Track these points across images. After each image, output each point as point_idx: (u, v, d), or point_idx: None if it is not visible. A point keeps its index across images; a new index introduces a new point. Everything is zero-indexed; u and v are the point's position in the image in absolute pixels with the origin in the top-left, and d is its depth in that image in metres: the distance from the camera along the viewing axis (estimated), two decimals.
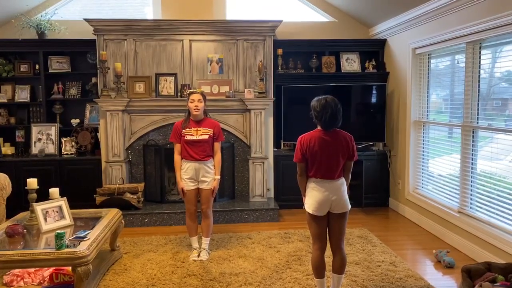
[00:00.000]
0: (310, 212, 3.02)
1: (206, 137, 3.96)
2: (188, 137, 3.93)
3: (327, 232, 3.10)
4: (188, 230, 4.11)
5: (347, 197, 3.06)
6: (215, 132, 4.02)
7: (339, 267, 3.06)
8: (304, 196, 3.13)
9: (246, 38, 5.48)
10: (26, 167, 5.43)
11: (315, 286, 3.24)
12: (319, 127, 3.03)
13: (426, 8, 4.60)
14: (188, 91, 4.19)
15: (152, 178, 5.47)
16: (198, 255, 4.02)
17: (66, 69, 5.81)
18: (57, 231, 3.06)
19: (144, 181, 5.45)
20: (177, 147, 4.02)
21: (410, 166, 5.30)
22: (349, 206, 3.06)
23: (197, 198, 4.04)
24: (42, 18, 5.65)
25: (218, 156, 4.06)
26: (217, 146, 4.07)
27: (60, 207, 3.63)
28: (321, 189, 2.98)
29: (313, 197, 3.01)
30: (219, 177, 4.06)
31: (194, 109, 3.93)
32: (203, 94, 4.00)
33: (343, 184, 3.05)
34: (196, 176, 3.97)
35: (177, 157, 4.03)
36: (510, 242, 3.55)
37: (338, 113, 2.98)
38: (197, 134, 3.94)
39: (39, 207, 3.50)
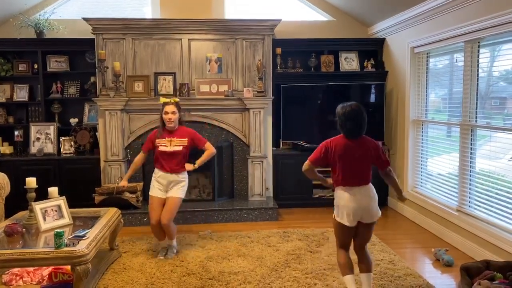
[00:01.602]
0: (343, 223, 2.95)
1: (180, 148, 3.94)
2: (162, 148, 3.93)
3: (353, 237, 3.09)
4: (155, 235, 4.03)
5: (377, 205, 3.03)
6: (190, 142, 3.99)
7: (367, 266, 3.06)
8: (320, 178, 3.11)
9: (245, 37, 5.48)
10: (24, 167, 5.42)
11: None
12: (343, 134, 2.99)
13: (424, 7, 4.61)
14: (162, 100, 4.04)
15: (151, 177, 5.44)
16: (165, 255, 4.01)
17: (65, 68, 5.80)
18: (56, 230, 3.06)
19: (143, 180, 5.44)
20: (141, 156, 4.10)
21: (409, 165, 5.31)
22: (379, 214, 3.04)
23: (161, 208, 3.93)
24: (40, 17, 5.64)
25: (209, 150, 4.06)
26: (207, 146, 4.07)
27: (59, 206, 3.62)
28: (351, 199, 2.93)
29: (344, 208, 2.94)
30: (197, 165, 4.03)
31: (168, 122, 3.93)
32: (177, 105, 3.99)
33: (372, 190, 3.02)
34: (166, 186, 3.98)
35: (137, 160, 4.09)
36: (509, 241, 3.55)
37: (363, 122, 2.95)
38: (170, 145, 3.94)
39: (38, 206, 3.50)
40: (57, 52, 5.77)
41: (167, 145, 3.93)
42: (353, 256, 3.13)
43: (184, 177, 4.03)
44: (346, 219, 2.94)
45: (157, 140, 3.98)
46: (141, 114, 5.39)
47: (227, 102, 5.40)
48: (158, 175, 3.99)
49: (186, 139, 3.99)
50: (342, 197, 2.97)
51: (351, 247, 3.13)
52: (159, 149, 3.95)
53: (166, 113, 3.93)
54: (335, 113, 3.02)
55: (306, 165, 3.08)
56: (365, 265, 3.07)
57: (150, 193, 4.01)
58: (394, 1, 5.00)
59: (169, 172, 3.94)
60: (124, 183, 4.11)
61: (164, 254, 4.01)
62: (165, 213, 3.90)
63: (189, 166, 4.02)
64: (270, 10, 6.07)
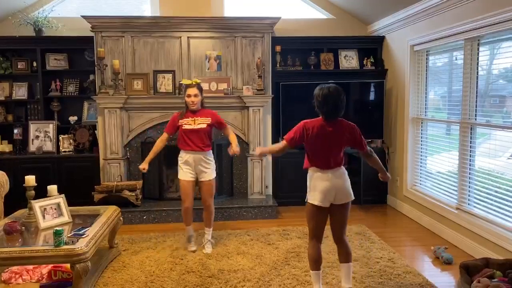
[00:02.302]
0: (315, 203, 2.95)
1: (204, 126, 3.97)
2: (186, 126, 3.95)
3: (330, 225, 3.09)
4: (183, 219, 4.12)
5: (350, 186, 3.04)
6: (213, 121, 4.03)
7: (346, 256, 3.07)
8: (268, 150, 3.22)
9: (244, 35, 5.47)
10: (24, 165, 5.41)
11: (310, 277, 3.24)
12: (320, 116, 3.00)
13: (424, 5, 4.60)
14: (184, 81, 4.15)
15: (150, 175, 5.46)
16: (203, 247, 4.06)
17: (64, 66, 5.79)
18: (55, 228, 3.06)
19: (142, 178, 5.44)
20: (164, 137, 4.07)
21: (408, 163, 5.31)
22: (353, 196, 3.04)
23: (194, 191, 4.03)
24: (39, 15, 5.63)
25: (232, 134, 4.10)
26: (227, 130, 4.12)
27: (58, 204, 3.62)
28: (323, 178, 2.95)
29: (316, 187, 2.96)
30: (238, 147, 4.03)
31: (191, 105, 3.96)
32: (199, 87, 4.00)
33: (345, 173, 3.03)
34: (195, 167, 3.98)
35: (158, 142, 4.08)
36: (508, 238, 3.56)
37: (341, 103, 2.95)
38: (194, 124, 3.96)
39: (37, 204, 3.49)
40: (56, 50, 5.76)
41: (191, 124, 3.95)
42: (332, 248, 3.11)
43: (211, 157, 4.06)
44: (318, 199, 2.94)
45: (180, 120, 3.98)
46: (141, 112, 5.39)
47: (227, 100, 5.40)
48: (184, 157, 3.98)
49: (210, 118, 4.01)
50: (315, 177, 2.99)
51: (331, 238, 3.13)
52: (183, 127, 3.95)
53: (189, 96, 3.94)
54: (313, 95, 3.02)
55: (282, 146, 3.05)
56: (344, 255, 3.08)
57: (180, 177, 4.01)
58: None
59: (195, 150, 3.95)
60: (144, 165, 4.05)
61: (194, 245, 4.09)
62: (206, 195, 4.03)
63: (235, 149, 3.96)
64: (270, 8, 6.06)
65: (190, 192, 4.00)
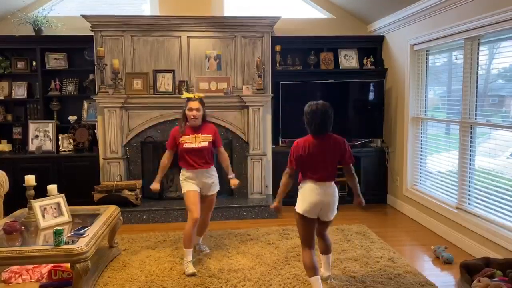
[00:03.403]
0: (301, 212, 3.07)
1: (206, 144, 3.75)
2: (187, 145, 3.71)
3: None
4: (186, 240, 3.64)
5: (336, 205, 3.14)
6: (214, 138, 3.83)
7: (326, 249, 3.31)
8: (281, 194, 3.23)
9: (244, 35, 5.47)
10: (23, 164, 5.39)
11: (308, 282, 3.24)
12: (309, 132, 3.10)
13: (424, 4, 4.60)
14: (185, 95, 3.86)
15: (150, 175, 5.45)
16: (199, 251, 4.02)
17: (63, 66, 5.78)
18: (55, 228, 3.06)
19: (142, 178, 5.44)
20: (168, 154, 3.83)
21: (408, 162, 5.31)
22: (335, 214, 3.17)
23: (200, 201, 3.75)
24: (39, 14, 5.62)
25: (225, 155, 3.96)
26: (221, 150, 3.94)
27: (58, 204, 3.62)
28: (315, 191, 3.04)
29: (305, 198, 3.07)
30: (233, 174, 3.95)
31: (192, 119, 3.71)
32: (201, 101, 3.77)
33: (335, 190, 3.13)
34: (199, 183, 3.77)
35: (164, 160, 3.83)
36: (508, 238, 3.56)
37: (328, 120, 3.05)
38: (196, 142, 3.72)
39: (37, 204, 3.49)
40: (55, 50, 5.75)
41: (192, 141, 3.72)
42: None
43: (214, 173, 3.88)
44: (306, 210, 3.05)
45: (180, 139, 3.73)
46: (140, 112, 5.38)
47: (226, 100, 5.40)
48: (186, 175, 3.76)
49: (211, 135, 3.81)
50: (307, 189, 3.08)
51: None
52: (184, 146, 3.71)
53: (191, 109, 3.70)
54: (303, 112, 3.12)
55: (288, 174, 3.17)
56: (325, 247, 3.30)
57: (186, 189, 3.73)
58: None
59: (198, 168, 3.74)
60: (156, 185, 3.83)
61: (192, 270, 3.60)
62: (208, 211, 3.94)
63: (234, 182, 3.91)
64: (270, 8, 6.06)
65: (197, 201, 3.69)
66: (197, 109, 3.72)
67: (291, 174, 3.16)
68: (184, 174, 3.79)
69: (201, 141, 3.75)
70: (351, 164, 3.18)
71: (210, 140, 3.80)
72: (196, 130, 3.77)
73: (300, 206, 3.09)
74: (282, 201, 5.55)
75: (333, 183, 3.11)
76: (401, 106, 5.45)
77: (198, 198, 3.73)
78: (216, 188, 3.92)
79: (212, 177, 3.86)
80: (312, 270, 3.07)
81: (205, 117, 3.85)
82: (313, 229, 3.13)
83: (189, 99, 3.78)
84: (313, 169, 3.06)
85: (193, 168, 3.74)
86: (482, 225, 3.88)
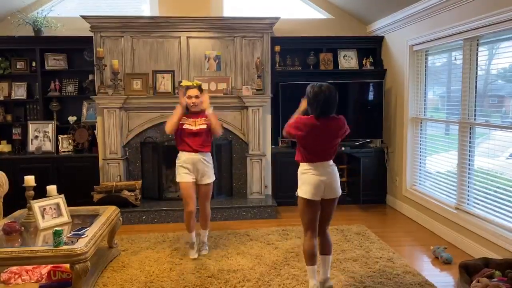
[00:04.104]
0: (307, 197, 3.01)
1: (205, 126, 3.88)
2: (187, 126, 3.85)
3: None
4: (186, 226, 3.99)
5: (339, 182, 3.11)
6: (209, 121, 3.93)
7: (327, 249, 3.18)
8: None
9: (243, 35, 5.47)
10: (23, 165, 5.40)
11: (305, 272, 3.24)
12: (312, 114, 3.05)
13: (423, 5, 4.60)
14: (183, 84, 4.01)
15: (150, 175, 5.47)
16: (198, 252, 4.02)
17: (63, 66, 5.78)
18: (55, 228, 3.06)
19: (141, 178, 5.44)
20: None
21: (407, 163, 5.31)
22: (340, 192, 3.12)
23: (195, 193, 3.95)
24: (38, 15, 5.62)
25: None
26: (214, 119, 3.92)
27: (57, 205, 3.62)
28: (314, 172, 3.01)
29: (307, 182, 3.02)
30: (211, 110, 3.91)
31: (192, 106, 3.88)
32: (200, 88, 3.92)
33: (335, 169, 3.10)
34: (194, 169, 3.89)
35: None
36: (507, 238, 3.56)
37: (333, 103, 3.00)
38: (195, 125, 3.87)
39: (36, 205, 3.49)
40: (55, 50, 5.75)
41: (192, 125, 3.86)
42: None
43: (209, 160, 3.98)
44: (309, 193, 3.00)
45: (182, 119, 3.87)
46: (140, 112, 5.38)
47: (226, 100, 5.40)
48: (183, 159, 3.89)
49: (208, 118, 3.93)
50: (306, 171, 3.04)
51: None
52: (184, 126, 3.85)
53: (190, 97, 3.85)
54: (305, 93, 3.07)
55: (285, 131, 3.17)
56: (325, 247, 3.18)
57: (179, 180, 3.90)
58: None
59: (195, 151, 3.87)
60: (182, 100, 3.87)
61: (196, 252, 3.98)
62: (204, 199, 3.99)
63: (207, 99, 3.91)
64: (269, 8, 6.06)
65: (192, 194, 3.89)
66: (196, 96, 3.87)
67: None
68: (180, 157, 3.92)
69: (200, 124, 3.88)
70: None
71: (209, 123, 3.92)
72: (195, 115, 3.91)
73: (303, 191, 3.03)
74: (282, 202, 5.57)
75: (331, 161, 3.08)
76: (401, 107, 5.46)
77: (193, 189, 3.91)
78: (211, 177, 3.99)
79: (208, 164, 3.95)
80: (311, 258, 3.06)
81: None
82: (317, 212, 3.07)
83: (187, 87, 3.90)
84: (313, 151, 3.02)
85: (189, 150, 3.87)
86: (481, 225, 3.89)
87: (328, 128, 3.01)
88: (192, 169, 3.89)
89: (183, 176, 3.89)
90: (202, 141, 3.90)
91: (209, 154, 4.00)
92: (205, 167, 3.92)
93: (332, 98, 2.98)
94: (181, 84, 4.09)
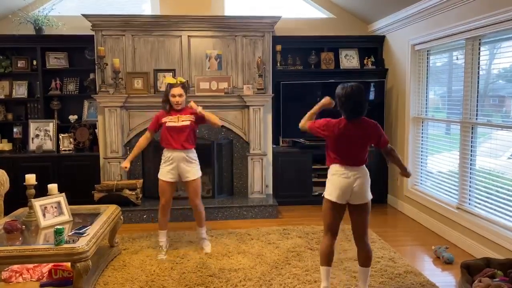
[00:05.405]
0: (331, 199, 2.93)
1: (188, 123, 3.86)
2: (170, 123, 3.84)
3: (350, 225, 3.06)
4: (159, 223, 4.04)
5: (369, 187, 3.00)
6: (196, 117, 3.91)
7: (365, 260, 3.03)
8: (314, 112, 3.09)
9: (245, 34, 5.46)
10: (23, 164, 5.40)
11: (315, 282, 3.24)
12: (343, 116, 2.97)
13: (425, 4, 4.59)
14: (167, 81, 3.93)
15: (151, 174, 5.45)
16: (201, 247, 4.04)
17: (64, 65, 5.78)
18: (56, 227, 3.05)
19: (142, 177, 5.44)
20: (148, 134, 4.00)
21: (409, 162, 5.30)
22: (370, 197, 3.00)
23: (173, 192, 4.01)
24: (39, 13, 5.61)
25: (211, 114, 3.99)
26: (205, 115, 3.90)
27: (58, 203, 3.61)
28: (343, 175, 2.91)
29: (334, 183, 2.93)
30: (200, 108, 3.87)
31: (176, 105, 3.85)
32: (184, 86, 3.88)
33: (367, 173, 3.00)
34: (178, 167, 3.88)
35: (142, 140, 4.01)
36: (509, 238, 3.55)
37: (364, 103, 2.93)
38: (178, 121, 3.85)
39: (37, 203, 3.48)
40: (56, 49, 5.74)
41: (174, 121, 3.85)
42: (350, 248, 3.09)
43: (194, 156, 3.95)
44: (334, 195, 2.92)
45: (163, 119, 3.88)
46: (141, 111, 5.38)
47: (227, 99, 5.39)
48: (166, 156, 3.90)
49: (193, 115, 3.91)
50: (335, 173, 2.96)
51: (340, 237, 3.10)
52: (167, 125, 3.84)
53: (173, 95, 3.82)
54: (335, 94, 2.99)
55: (305, 125, 3.08)
56: (364, 258, 3.03)
57: (160, 176, 3.93)
58: None
59: (179, 149, 3.85)
60: (126, 164, 3.98)
61: (165, 254, 3.96)
62: (193, 195, 3.95)
63: (194, 104, 3.90)
64: (270, 7, 6.06)
65: (167, 191, 3.92)
66: (180, 95, 3.85)
67: (306, 127, 3.06)
68: (164, 154, 3.94)
69: (183, 120, 3.87)
70: (388, 144, 3.04)
71: (192, 119, 3.90)
72: (179, 111, 3.90)
73: (328, 192, 2.96)
74: (282, 201, 5.56)
75: (363, 166, 2.99)
76: (402, 106, 5.45)
77: (169, 188, 3.93)
78: (197, 173, 3.96)
79: (191, 162, 3.93)
80: (326, 258, 2.99)
81: (187, 102, 3.96)
82: (339, 217, 3.00)
83: (171, 85, 3.86)
84: (343, 153, 2.93)
85: (172, 147, 3.86)
86: (483, 225, 3.88)
87: (359, 130, 2.93)
88: (175, 167, 3.88)
89: (164, 174, 3.91)
90: (185, 137, 3.86)
91: (193, 150, 3.97)
92: (188, 165, 3.90)
93: (363, 99, 2.93)
94: (164, 82, 4.06)
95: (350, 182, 2.91)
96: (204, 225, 4.12)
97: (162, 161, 3.95)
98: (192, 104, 3.92)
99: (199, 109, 3.87)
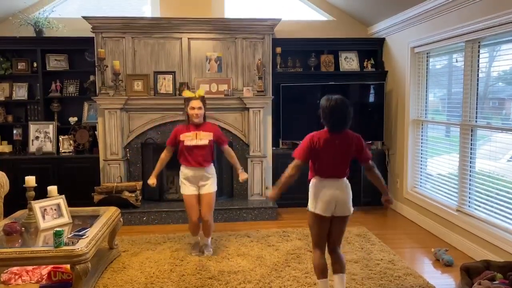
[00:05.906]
0: (317, 212, 2.94)
1: (206, 142, 3.85)
2: (188, 142, 3.83)
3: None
4: (191, 232, 4.09)
5: (351, 199, 3.02)
6: (215, 137, 3.92)
7: (340, 267, 3.03)
8: (283, 185, 3.00)
9: (245, 37, 5.47)
10: (23, 165, 5.40)
11: (315, 284, 3.24)
12: (326, 127, 2.96)
13: (425, 6, 4.60)
14: (185, 94, 3.97)
15: (150, 175, 5.44)
16: (201, 253, 4.03)
17: (64, 67, 5.78)
18: (55, 229, 3.05)
19: (142, 179, 5.43)
20: (167, 150, 4.00)
21: (408, 165, 5.30)
22: (352, 210, 3.03)
23: (198, 204, 3.93)
24: (40, 15, 5.63)
25: (231, 153, 4.06)
26: (227, 149, 4.04)
27: (58, 205, 3.61)
28: (327, 188, 2.93)
29: (319, 197, 2.94)
30: (242, 168, 4.05)
31: (195, 117, 3.84)
32: (203, 99, 3.89)
33: (348, 186, 3.01)
34: (196, 182, 3.90)
35: (163, 155, 4.01)
36: (509, 241, 3.55)
37: (348, 116, 2.93)
38: (196, 138, 3.84)
39: (37, 205, 3.48)
40: (56, 51, 5.75)
41: (193, 138, 3.83)
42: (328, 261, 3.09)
43: (212, 173, 3.96)
44: (320, 208, 2.92)
45: (181, 135, 3.85)
46: (141, 113, 5.38)
47: (227, 102, 5.40)
48: (185, 172, 3.89)
49: (212, 133, 3.90)
50: (318, 186, 2.96)
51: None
52: (185, 143, 3.83)
53: (193, 108, 3.82)
54: (319, 106, 2.97)
55: (294, 165, 2.96)
56: (338, 265, 3.03)
57: (183, 192, 3.92)
58: (394, 1, 5.00)
59: (196, 166, 3.85)
60: (153, 180, 3.99)
61: (198, 251, 4.05)
62: (205, 209, 3.92)
63: (243, 176, 4.03)
64: (270, 10, 6.06)
65: (195, 205, 3.90)
66: (199, 108, 3.84)
67: (299, 166, 2.95)
68: (182, 171, 3.94)
69: (202, 138, 3.86)
70: (370, 161, 3.03)
71: (211, 138, 3.89)
72: (197, 127, 3.89)
73: (314, 205, 2.96)
74: (282, 203, 5.55)
75: (345, 178, 3.00)
76: (402, 109, 5.45)
77: (195, 200, 3.91)
78: (213, 187, 3.97)
79: (209, 177, 3.94)
80: (321, 272, 2.99)
81: (205, 116, 3.98)
82: (326, 229, 3.00)
83: (190, 98, 3.88)
84: (325, 166, 2.93)
85: (192, 166, 3.86)
86: (483, 227, 3.88)
87: (341, 142, 2.93)
88: (194, 182, 3.91)
89: (184, 188, 3.91)
90: (204, 155, 3.87)
91: (212, 166, 3.98)
92: (206, 181, 3.93)
93: (347, 112, 2.92)
94: (183, 95, 4.07)
95: (333, 195, 2.92)
96: (210, 236, 4.11)
97: (181, 177, 3.93)
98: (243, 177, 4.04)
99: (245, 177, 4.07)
